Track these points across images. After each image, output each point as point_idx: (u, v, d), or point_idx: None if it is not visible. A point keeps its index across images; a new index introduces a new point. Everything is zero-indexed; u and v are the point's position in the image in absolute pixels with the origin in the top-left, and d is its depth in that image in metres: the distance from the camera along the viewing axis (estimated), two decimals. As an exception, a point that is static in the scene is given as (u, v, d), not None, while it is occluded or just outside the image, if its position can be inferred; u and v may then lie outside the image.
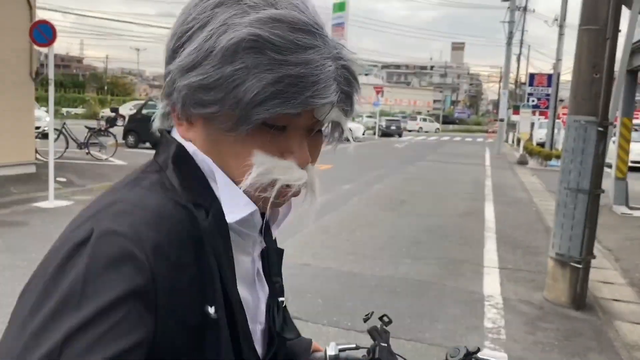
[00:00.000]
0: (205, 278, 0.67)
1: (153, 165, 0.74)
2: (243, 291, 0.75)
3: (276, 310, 0.83)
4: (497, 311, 4.49)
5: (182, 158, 0.72)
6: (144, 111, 18.75)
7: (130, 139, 18.30)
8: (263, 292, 0.82)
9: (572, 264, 4.51)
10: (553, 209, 9.96)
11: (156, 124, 0.78)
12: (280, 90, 0.63)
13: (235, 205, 0.70)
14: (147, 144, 18.48)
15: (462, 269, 5.68)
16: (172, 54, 0.71)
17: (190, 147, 0.72)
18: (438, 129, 57.28)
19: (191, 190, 0.70)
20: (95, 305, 0.57)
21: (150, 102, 19.42)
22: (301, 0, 0.68)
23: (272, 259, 0.86)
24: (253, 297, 0.79)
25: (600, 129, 4.37)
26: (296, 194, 0.73)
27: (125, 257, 0.60)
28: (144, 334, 0.59)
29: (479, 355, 1.23)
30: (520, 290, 5.08)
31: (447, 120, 74.73)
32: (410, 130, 53.17)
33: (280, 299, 0.85)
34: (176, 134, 0.74)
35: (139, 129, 18.19)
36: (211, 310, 0.67)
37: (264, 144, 0.68)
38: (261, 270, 0.82)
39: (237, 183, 0.70)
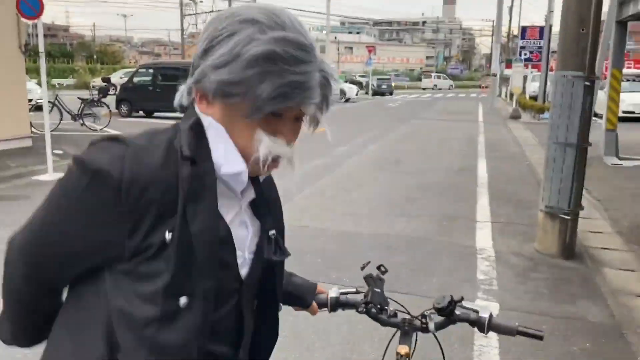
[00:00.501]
0: (168, 211, 0.90)
1: (172, 127, 0.99)
2: (234, 227, 1.01)
3: (266, 241, 1.07)
4: (489, 263, 4.68)
5: (197, 127, 0.96)
6: (136, 79, 18.64)
7: (124, 108, 18.25)
8: (253, 227, 1.06)
9: (561, 215, 4.68)
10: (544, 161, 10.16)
11: (178, 100, 1.01)
12: (286, 91, 0.89)
13: (229, 163, 0.95)
14: (141, 112, 18.45)
15: (455, 224, 5.86)
16: (204, 53, 0.94)
17: (207, 120, 0.96)
18: (452, 85, 56.76)
19: (191, 149, 0.92)
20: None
21: (140, 70, 19.27)
22: (301, 25, 0.94)
23: (267, 205, 1.10)
24: (242, 232, 1.03)
25: (587, 83, 4.46)
26: (276, 167, 0.99)
27: (103, 171, 0.89)
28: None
29: (463, 303, 1.38)
30: (512, 242, 5.27)
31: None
32: (424, 89, 52.98)
33: (271, 231, 1.08)
34: (196, 108, 0.98)
35: (131, 98, 18.12)
36: (168, 235, 0.90)
37: (264, 126, 0.94)
38: (250, 212, 1.07)
39: (242, 154, 0.96)
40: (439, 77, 58.42)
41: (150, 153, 0.91)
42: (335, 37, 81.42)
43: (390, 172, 8.80)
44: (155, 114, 18.51)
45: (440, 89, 53.26)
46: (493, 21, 46.46)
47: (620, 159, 9.67)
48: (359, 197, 7.08)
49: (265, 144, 0.93)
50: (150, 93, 17.78)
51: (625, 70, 11.63)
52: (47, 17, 9.74)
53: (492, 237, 5.44)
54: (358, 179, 8.23)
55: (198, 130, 0.95)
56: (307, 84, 0.90)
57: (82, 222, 0.93)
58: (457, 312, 1.36)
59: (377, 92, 40.28)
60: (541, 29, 25.56)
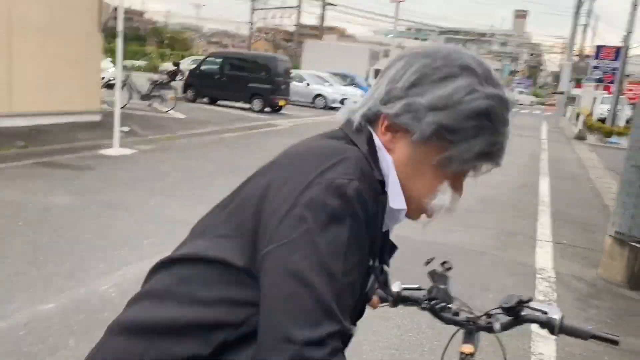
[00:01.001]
0: (374, 236, 0.90)
1: (344, 138, 0.96)
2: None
3: (379, 273, 1.07)
4: (548, 284, 4.50)
5: (374, 146, 0.94)
6: (203, 67, 19.03)
7: (190, 93, 18.66)
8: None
9: (632, 243, 4.45)
10: (611, 187, 9.76)
11: (347, 115, 0.99)
12: (492, 151, 0.92)
13: (395, 199, 0.93)
14: (205, 99, 18.83)
15: (514, 240, 5.68)
16: (411, 85, 0.91)
17: (377, 141, 0.95)
18: (533, 102, 56.35)
19: (378, 171, 0.91)
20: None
21: (209, 59, 19.66)
22: (500, 80, 0.93)
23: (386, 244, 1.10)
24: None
25: (675, 107, 4.23)
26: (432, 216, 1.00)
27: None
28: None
29: (531, 304, 1.29)
30: (574, 266, 5.05)
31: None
32: None
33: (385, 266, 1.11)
34: (375, 136, 0.95)
35: (197, 84, 18.52)
36: (371, 262, 0.94)
37: (451, 178, 0.95)
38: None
39: (408, 195, 0.95)
40: (521, 93, 59.26)
41: (369, 187, 0.87)
42: (400, 43, 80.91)
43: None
44: (219, 102, 18.89)
45: (521, 104, 52.46)
46: (565, 38, 44.94)
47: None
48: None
49: (447, 197, 0.95)
50: (216, 81, 18.13)
51: None
52: (125, 2, 10.18)
53: (552, 257, 5.24)
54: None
55: (374, 150, 0.94)
56: (505, 144, 0.93)
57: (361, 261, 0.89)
58: (524, 312, 1.30)
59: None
60: (617, 49, 24.51)
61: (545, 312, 1.29)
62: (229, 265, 0.87)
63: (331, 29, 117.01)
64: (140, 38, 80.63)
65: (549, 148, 15.70)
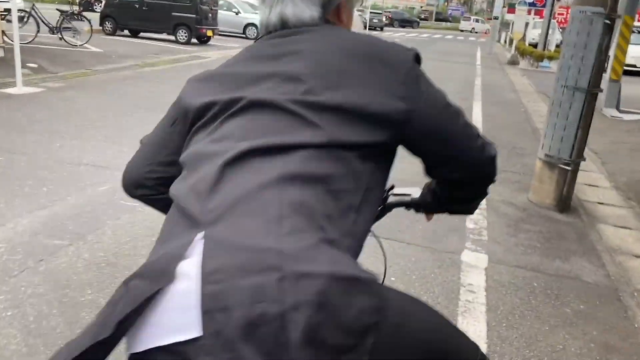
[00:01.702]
0: None
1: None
2: None
3: None
4: (479, 212, 4.37)
5: None
6: (121, -5, 17.60)
7: (108, 25, 17.32)
8: None
9: (560, 165, 4.35)
10: (542, 111, 9.80)
11: (309, 14, 0.99)
12: None
13: None
14: (126, 31, 17.55)
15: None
16: None
17: None
18: (488, 29, 56.33)
19: None
20: None
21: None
22: None
23: None
24: None
25: (607, 21, 4.02)
26: None
27: None
28: None
29: (395, 191, 1.36)
30: (504, 191, 4.96)
31: (440, 17, 72.26)
32: (462, 30, 53.49)
33: None
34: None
35: (116, 15, 17.16)
36: None
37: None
38: None
39: None
40: (477, 21, 59.27)
41: None
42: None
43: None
44: (142, 34, 17.67)
45: (477, 32, 52.58)
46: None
47: (620, 111, 9.31)
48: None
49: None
50: (136, 11, 16.86)
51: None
52: None
53: (483, 184, 5.13)
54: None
55: None
56: None
57: None
58: (390, 200, 1.35)
59: (369, 27, 40.38)
60: (549, -28, 24.46)
61: (408, 195, 1.36)
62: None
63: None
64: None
65: (483, 74, 15.69)
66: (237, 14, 22.17)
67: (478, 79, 14.17)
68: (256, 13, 23.55)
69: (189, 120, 0.97)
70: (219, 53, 14.90)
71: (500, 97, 11.17)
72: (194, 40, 17.06)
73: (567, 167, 4.33)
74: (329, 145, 0.85)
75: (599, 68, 4.16)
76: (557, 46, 25.11)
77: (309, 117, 0.86)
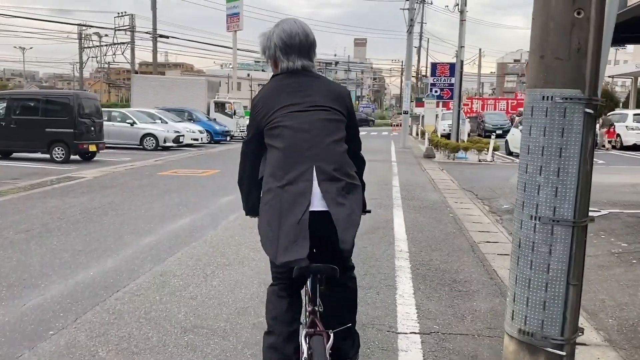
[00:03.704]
0: None
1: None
2: None
3: None
4: None
5: None
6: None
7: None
8: None
9: (549, 349, 2.57)
10: (473, 216, 8.28)
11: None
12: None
13: None
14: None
15: (367, 341, 3.59)
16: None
17: None
18: (399, 123, 58.13)
19: None
20: None
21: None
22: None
23: None
24: None
25: (588, 110, 2.45)
26: None
27: None
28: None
29: None
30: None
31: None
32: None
33: None
34: None
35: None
36: None
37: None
38: None
39: None
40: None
41: None
42: (249, 75, 79.65)
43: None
44: (15, 154, 15.37)
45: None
46: (402, 61, 46.34)
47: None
48: (211, 290, 4.70)
49: None
50: (3, 129, 14.62)
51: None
52: None
53: (422, 367, 3.25)
54: (223, 255, 5.88)
55: None
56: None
57: None
58: None
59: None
60: (452, 65, 24.81)
61: None
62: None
63: (178, 65, 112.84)
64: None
65: (400, 171, 14.47)
66: (132, 124, 20.35)
67: (395, 178, 12.84)
68: (154, 122, 21.87)
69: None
70: (99, 171, 12.77)
71: (422, 199, 9.71)
72: (76, 157, 14.92)
73: (559, 352, 2.56)
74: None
75: (586, 183, 2.53)
76: (469, 135, 25.08)
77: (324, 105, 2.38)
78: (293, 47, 2.36)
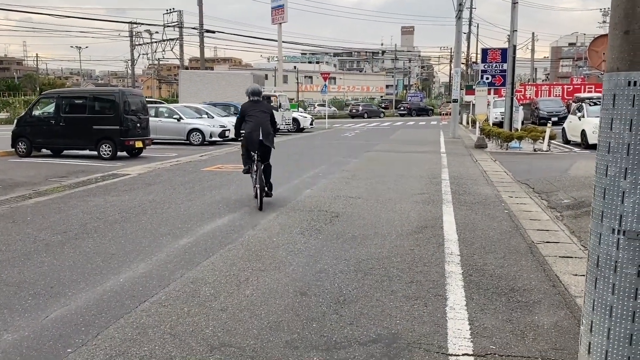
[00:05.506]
0: None
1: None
2: None
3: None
4: None
5: None
6: (36, 112, 15.60)
7: (21, 146, 15.25)
8: None
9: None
10: (531, 212, 7.66)
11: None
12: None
13: None
14: (46, 151, 15.49)
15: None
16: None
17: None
18: (449, 112, 57.80)
19: None
20: None
21: (42, 101, 16.22)
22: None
23: None
24: None
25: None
26: None
27: None
28: None
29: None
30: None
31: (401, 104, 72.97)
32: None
33: None
34: None
35: (30, 134, 15.10)
36: None
37: None
38: None
39: None
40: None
41: None
42: (295, 67, 79.77)
43: (320, 238, 6.13)
44: (65, 152, 15.62)
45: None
46: (451, 48, 45.08)
47: None
48: (251, 296, 4.37)
49: None
50: (53, 127, 14.87)
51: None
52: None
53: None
54: (263, 258, 5.55)
55: None
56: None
57: None
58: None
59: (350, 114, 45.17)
60: (503, 50, 23.71)
61: None
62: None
63: (226, 60, 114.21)
64: (14, 88, 74.02)
65: (450, 163, 13.84)
66: (178, 120, 20.44)
67: (445, 171, 12.25)
68: (201, 117, 21.93)
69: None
70: (144, 167, 12.76)
71: (474, 194, 9.14)
72: (123, 153, 15.03)
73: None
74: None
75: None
76: (522, 123, 23.98)
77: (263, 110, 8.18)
78: (254, 93, 8.14)
